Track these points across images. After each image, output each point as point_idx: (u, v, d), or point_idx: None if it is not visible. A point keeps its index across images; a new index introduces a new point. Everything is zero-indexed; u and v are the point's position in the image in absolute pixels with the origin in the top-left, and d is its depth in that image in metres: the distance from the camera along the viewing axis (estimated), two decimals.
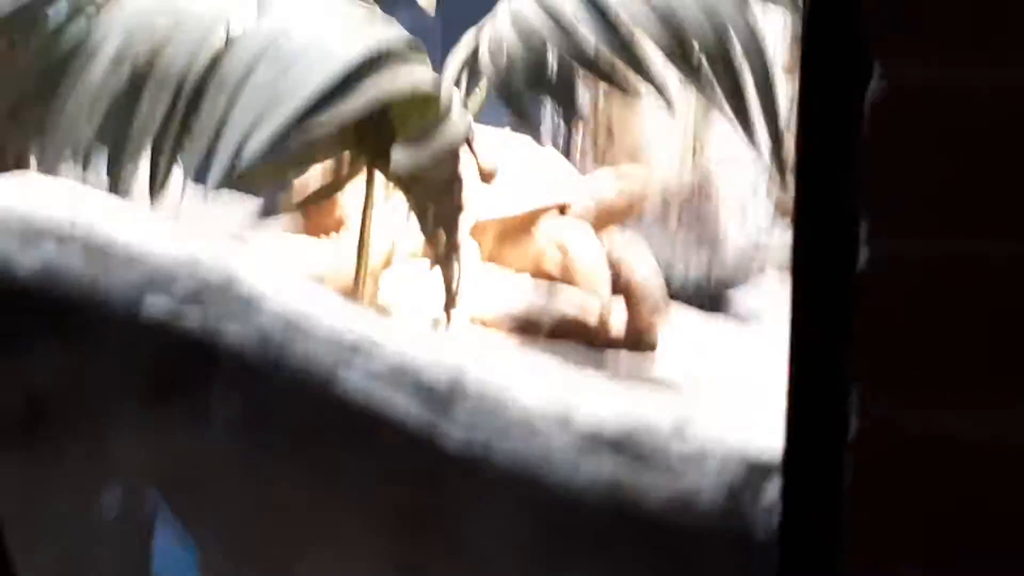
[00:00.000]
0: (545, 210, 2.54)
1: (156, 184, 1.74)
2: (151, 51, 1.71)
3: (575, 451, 1.38)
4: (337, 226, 2.27)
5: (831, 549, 0.92)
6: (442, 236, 1.86)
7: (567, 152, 2.72)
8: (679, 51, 1.69)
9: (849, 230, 0.89)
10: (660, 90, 1.72)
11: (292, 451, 1.49)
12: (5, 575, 1.60)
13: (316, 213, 2.23)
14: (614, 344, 2.09)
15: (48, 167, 1.75)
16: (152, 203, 1.76)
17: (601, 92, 2.58)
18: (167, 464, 1.53)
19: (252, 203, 2.38)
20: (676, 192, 2.69)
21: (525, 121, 1.82)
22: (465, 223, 2.48)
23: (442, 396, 1.40)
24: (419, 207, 1.89)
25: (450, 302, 1.90)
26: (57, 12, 1.81)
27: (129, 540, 1.62)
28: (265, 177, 1.90)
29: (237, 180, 1.95)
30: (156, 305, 1.43)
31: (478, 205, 2.61)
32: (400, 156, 1.73)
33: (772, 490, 1.32)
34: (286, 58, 1.63)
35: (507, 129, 2.69)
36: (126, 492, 1.60)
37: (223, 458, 1.51)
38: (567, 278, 2.49)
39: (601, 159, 2.74)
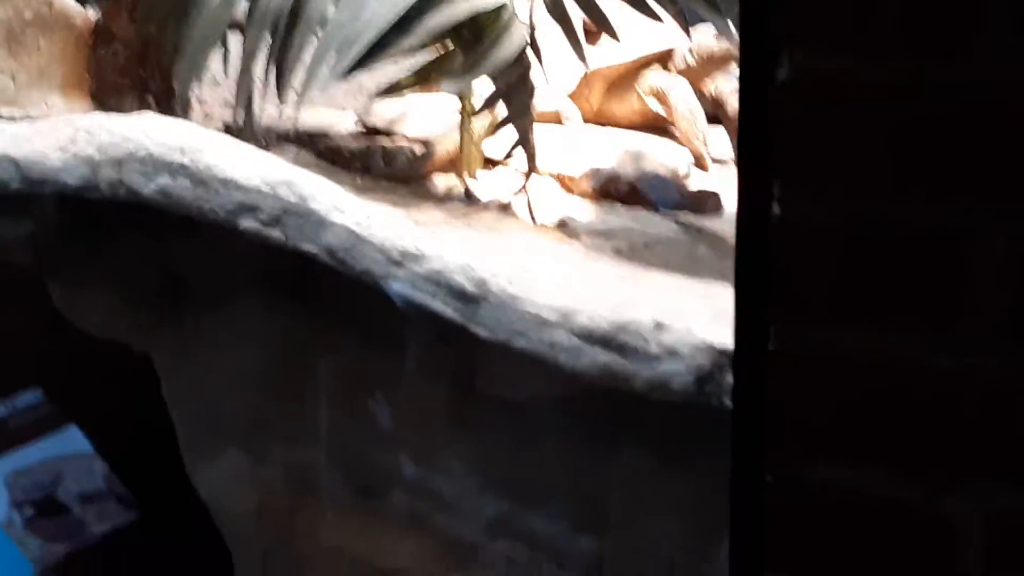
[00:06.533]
0: (648, 61, 2.79)
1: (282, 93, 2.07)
2: None
3: (576, 343, 1.70)
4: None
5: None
6: (520, 116, 2.15)
7: None
8: None
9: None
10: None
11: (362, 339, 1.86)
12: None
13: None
14: (686, 207, 2.35)
15: (180, 83, 2.11)
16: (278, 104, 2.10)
17: None
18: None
19: None
20: None
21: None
22: (566, 86, 2.75)
23: (471, 297, 1.73)
24: (502, 99, 2.19)
25: (531, 169, 2.19)
26: None
27: None
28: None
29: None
30: (247, 225, 1.79)
31: (590, 59, 2.87)
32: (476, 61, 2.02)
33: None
34: (358, 3, 1.93)
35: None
36: None
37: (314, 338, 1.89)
38: (667, 126, 2.74)
39: None
